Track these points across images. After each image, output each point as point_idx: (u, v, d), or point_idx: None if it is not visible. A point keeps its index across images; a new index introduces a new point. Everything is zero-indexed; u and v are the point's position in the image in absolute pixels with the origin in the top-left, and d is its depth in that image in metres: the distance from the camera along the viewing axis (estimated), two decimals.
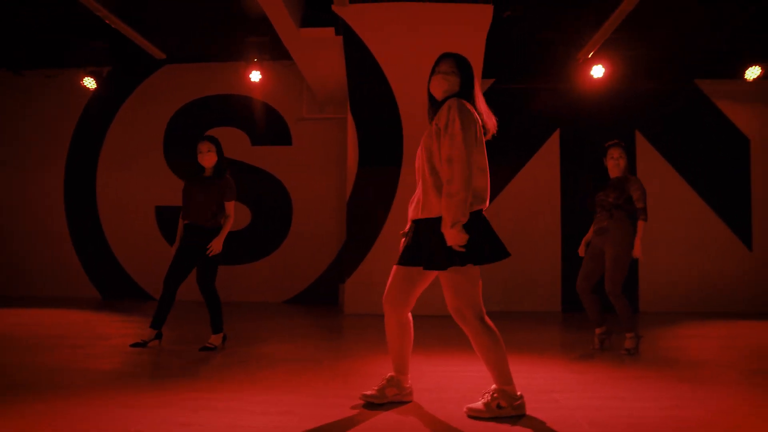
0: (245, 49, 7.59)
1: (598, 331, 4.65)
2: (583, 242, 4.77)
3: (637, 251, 4.39)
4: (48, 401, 2.86)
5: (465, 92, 2.83)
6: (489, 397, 2.77)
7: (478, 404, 2.76)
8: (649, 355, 4.45)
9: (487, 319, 2.79)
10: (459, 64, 2.85)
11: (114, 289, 8.48)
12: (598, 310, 4.64)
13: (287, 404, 2.92)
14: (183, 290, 4.57)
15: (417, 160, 2.91)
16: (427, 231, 2.74)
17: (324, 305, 8.00)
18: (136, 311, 6.92)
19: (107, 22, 6.15)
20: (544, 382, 3.51)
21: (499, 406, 2.74)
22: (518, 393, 2.80)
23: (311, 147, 8.48)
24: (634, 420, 2.72)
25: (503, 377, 2.78)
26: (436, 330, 5.50)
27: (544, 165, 7.96)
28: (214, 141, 4.56)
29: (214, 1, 6.49)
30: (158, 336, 4.50)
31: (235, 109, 8.46)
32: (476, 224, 2.69)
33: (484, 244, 2.70)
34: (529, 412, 2.81)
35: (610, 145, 4.68)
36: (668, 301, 7.72)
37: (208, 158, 4.51)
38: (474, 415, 2.72)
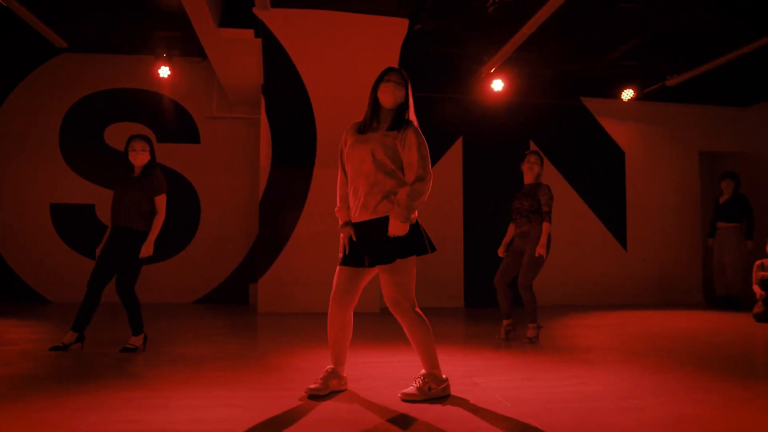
0: (154, 43, 7.38)
1: (505, 322, 5.11)
2: (503, 244, 5.18)
3: (541, 249, 4.89)
4: None
5: (408, 104, 3.12)
6: (420, 382, 3.05)
7: (411, 389, 3.03)
8: (548, 343, 4.97)
9: (419, 309, 3.08)
10: (405, 77, 3.12)
11: (2, 292, 7.83)
12: (510, 304, 5.12)
13: (229, 398, 3.01)
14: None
15: (362, 165, 3.03)
16: (378, 229, 2.98)
17: (234, 305, 7.94)
18: (33, 315, 6.49)
19: (2, 2, 5.74)
20: (463, 369, 3.86)
21: (429, 389, 3.05)
22: (444, 376, 3.12)
23: (221, 146, 8.38)
24: (547, 395, 3.13)
25: (432, 362, 3.10)
26: (363, 326, 5.71)
27: (448, 170, 8.44)
28: (147, 140, 4.49)
29: None
30: (80, 339, 4.34)
31: (141, 104, 8.15)
32: (416, 222, 3.07)
33: (423, 239, 3.06)
34: (454, 394, 3.12)
35: (529, 152, 5.21)
36: (555, 295, 8.48)
37: (141, 157, 4.42)
38: (408, 399, 2.99)
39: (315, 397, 3.00)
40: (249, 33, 5.97)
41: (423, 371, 3.11)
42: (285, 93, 6.65)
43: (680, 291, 8.95)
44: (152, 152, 4.51)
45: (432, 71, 8.18)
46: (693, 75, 7.59)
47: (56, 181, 7.98)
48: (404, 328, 3.09)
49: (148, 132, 8.15)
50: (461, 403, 2.97)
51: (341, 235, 3.16)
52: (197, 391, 3.14)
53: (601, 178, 8.92)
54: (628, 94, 8.35)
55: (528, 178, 5.12)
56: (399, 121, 3.07)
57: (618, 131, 9.01)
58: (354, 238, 3.09)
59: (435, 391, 3.04)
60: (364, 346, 4.68)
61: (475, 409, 2.85)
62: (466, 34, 7.15)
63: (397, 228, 2.93)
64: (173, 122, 8.24)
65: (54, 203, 7.98)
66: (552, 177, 8.71)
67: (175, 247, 8.21)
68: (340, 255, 3.14)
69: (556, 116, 8.81)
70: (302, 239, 7.11)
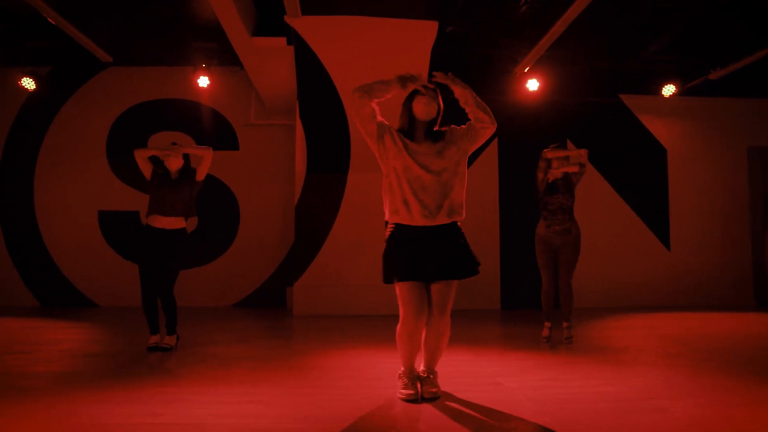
0: (193, 54, 7.62)
1: (549, 324, 5.02)
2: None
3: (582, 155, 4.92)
4: (9, 404, 2.90)
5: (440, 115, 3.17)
6: (434, 379, 3.12)
7: (431, 388, 3.05)
8: (582, 344, 4.88)
9: None
10: (438, 93, 3.17)
11: (53, 297, 8.25)
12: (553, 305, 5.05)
13: (253, 395, 3.10)
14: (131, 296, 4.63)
15: (441, 175, 3.04)
16: (448, 239, 3.05)
17: (272, 308, 8.11)
18: (81, 317, 6.80)
19: (51, 21, 6.06)
20: (490, 369, 3.84)
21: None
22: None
23: (259, 153, 8.58)
24: (567, 396, 3.08)
25: (437, 361, 3.17)
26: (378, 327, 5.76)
27: (484, 172, 8.38)
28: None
29: (162, 5, 6.51)
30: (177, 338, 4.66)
31: (182, 113, 8.44)
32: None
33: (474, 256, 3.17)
34: (475, 394, 3.12)
35: (557, 146, 5.10)
36: (597, 297, 8.28)
37: (176, 162, 4.65)
38: (437, 396, 3.03)
39: (413, 401, 2.98)
40: (281, 41, 6.12)
41: (430, 367, 3.15)
42: (318, 99, 6.77)
43: (728, 292, 8.57)
44: (186, 156, 4.75)
45: (466, 73, 8.09)
46: (738, 67, 7.28)
47: (104, 190, 8.35)
48: (435, 334, 3.05)
49: (188, 140, 8.45)
50: (480, 402, 2.96)
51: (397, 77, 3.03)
52: (224, 388, 3.25)
53: (642, 177, 8.66)
54: (669, 89, 8.09)
55: (558, 173, 4.99)
56: (441, 133, 3.14)
57: (660, 128, 8.73)
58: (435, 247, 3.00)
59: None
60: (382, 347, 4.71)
61: (491, 408, 2.84)
62: (499, 35, 7.12)
63: (464, 87, 3.14)
64: (213, 130, 8.49)
65: (102, 210, 8.34)
66: (591, 177, 8.52)
67: (215, 251, 8.45)
68: (402, 273, 2.96)
69: (595, 114, 8.61)
70: (337, 243, 7.21)
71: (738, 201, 8.80)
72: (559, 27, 5.73)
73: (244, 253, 8.50)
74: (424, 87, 3.07)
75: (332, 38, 5.86)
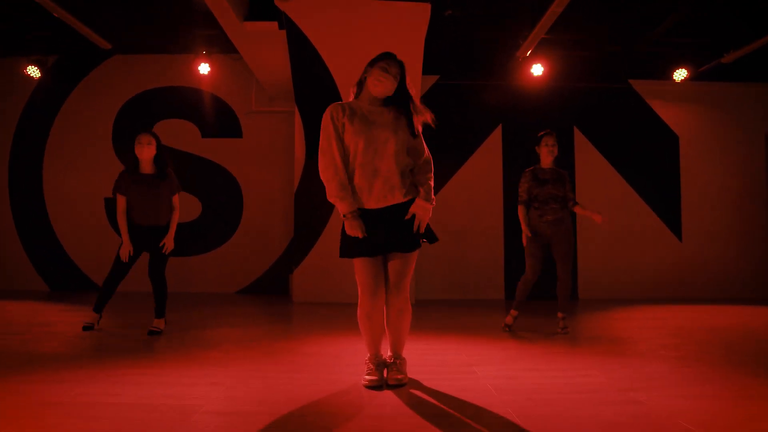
0: (194, 41, 7.62)
1: (515, 313, 4.91)
2: (525, 230, 4.85)
3: (597, 216, 4.78)
4: None
5: (403, 95, 2.97)
6: (401, 366, 3.04)
7: (397, 375, 2.97)
8: (576, 335, 4.75)
9: None
10: (403, 70, 2.95)
11: (62, 281, 8.40)
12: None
13: (215, 377, 3.07)
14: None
15: (386, 145, 2.88)
16: (404, 213, 2.91)
17: (276, 295, 8.11)
18: (84, 301, 6.87)
19: (48, 9, 6.10)
20: (468, 358, 3.75)
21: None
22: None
23: (261, 140, 8.56)
24: (538, 386, 2.98)
25: (402, 345, 3.09)
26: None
27: (488, 159, 8.24)
28: (154, 134, 4.60)
29: None
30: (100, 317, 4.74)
31: (185, 101, 8.46)
32: None
33: (430, 228, 3.04)
34: (445, 382, 3.04)
35: (545, 133, 4.91)
36: (604, 288, 8.10)
37: (147, 150, 4.51)
38: (402, 383, 2.96)
39: (376, 388, 2.92)
40: (273, 25, 6.04)
41: (397, 353, 3.07)
42: (313, 84, 6.68)
43: (744, 285, 8.29)
44: (159, 146, 4.59)
45: (468, 58, 8.00)
46: (752, 49, 6.98)
47: (110, 177, 8.25)
48: (396, 313, 2.97)
49: (193, 128, 8.49)
50: (447, 390, 2.88)
51: (348, 225, 2.84)
52: (192, 371, 3.22)
53: (652, 165, 8.40)
54: (680, 74, 7.82)
55: (548, 162, 4.87)
56: (405, 104, 2.97)
57: (671, 115, 8.45)
58: (365, 232, 2.84)
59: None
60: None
61: (454, 397, 2.76)
62: (500, 18, 6.95)
63: (427, 212, 2.90)
64: (216, 118, 8.50)
65: (108, 198, 8.41)
66: (599, 164, 8.33)
67: (219, 238, 8.48)
68: (356, 250, 2.88)
69: (603, 100, 8.37)
70: (336, 231, 7.13)
71: (754, 190, 8.48)
72: (556, 8, 5.55)
73: (248, 240, 8.51)
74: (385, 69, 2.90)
75: (324, 21, 5.78)
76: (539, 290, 5.23)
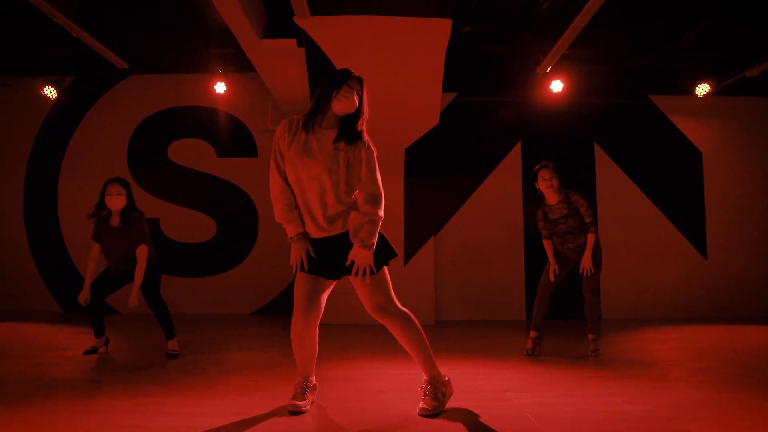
0: (210, 60, 7.60)
1: (534, 334, 4.73)
2: (553, 263, 4.67)
3: (587, 263, 4.55)
4: None
5: (361, 113, 2.84)
6: (430, 392, 2.84)
7: (427, 402, 2.81)
8: (607, 358, 4.56)
9: (403, 308, 2.89)
10: (363, 87, 2.86)
11: (76, 303, 8.26)
12: (544, 315, 4.77)
13: (239, 407, 2.93)
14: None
15: (314, 183, 2.77)
16: (343, 243, 2.80)
17: (291, 316, 7.95)
18: None
19: (66, 29, 6.09)
20: (500, 383, 3.58)
21: (442, 395, 2.86)
22: (444, 375, 2.94)
23: None
24: (580, 414, 2.81)
25: (430, 362, 2.91)
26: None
27: (507, 176, 8.10)
28: (125, 184, 4.44)
29: (177, 12, 6.50)
30: (106, 342, 4.67)
31: (201, 120, 8.43)
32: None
33: (387, 241, 2.89)
34: (481, 409, 2.88)
35: (540, 167, 4.61)
36: (628, 308, 7.89)
37: (116, 201, 4.36)
38: (428, 414, 2.77)
39: (297, 413, 2.81)
40: (291, 43, 5.99)
41: (425, 377, 2.91)
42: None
43: None
44: (129, 196, 4.44)
45: (487, 74, 7.91)
46: None
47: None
48: (395, 332, 2.87)
49: (208, 147, 8.43)
50: (482, 419, 2.72)
51: (293, 247, 2.83)
52: (214, 399, 3.09)
53: (675, 181, 8.22)
54: (703, 89, 7.67)
55: (552, 197, 4.62)
56: (351, 134, 2.81)
57: (694, 130, 8.29)
58: (312, 254, 2.82)
59: (447, 395, 2.91)
60: (391, 357, 4.48)
61: (490, 427, 2.60)
62: (520, 34, 6.87)
63: (365, 258, 2.72)
64: (231, 137, 8.45)
65: None
66: (620, 181, 8.16)
67: (234, 259, 8.37)
68: (296, 269, 2.86)
69: (623, 116, 8.23)
70: None
71: None
72: (579, 22, 5.45)
73: (264, 261, 8.39)
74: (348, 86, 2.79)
75: (342, 38, 5.70)
76: (562, 310, 5.07)
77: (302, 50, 6.01)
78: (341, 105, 2.78)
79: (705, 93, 7.70)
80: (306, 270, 2.83)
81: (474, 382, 3.62)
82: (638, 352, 4.93)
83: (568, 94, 7.56)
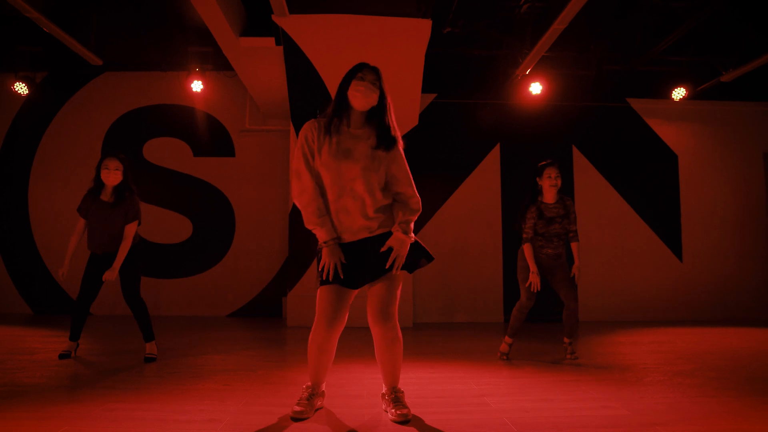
0: (187, 58, 7.49)
1: (510, 340, 4.71)
2: (535, 268, 4.49)
3: (577, 269, 4.57)
4: None
5: (384, 106, 2.79)
6: (401, 399, 2.81)
7: (401, 410, 2.75)
8: (584, 361, 4.57)
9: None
10: (381, 77, 2.79)
11: (46, 304, 8.10)
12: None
13: (213, 413, 2.85)
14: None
15: (353, 184, 2.71)
16: (378, 243, 2.76)
17: (268, 318, 7.86)
18: (69, 326, 6.60)
19: (38, 24, 5.94)
20: (478, 387, 3.55)
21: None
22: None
23: (255, 159, 8.38)
24: (559, 420, 2.79)
25: (398, 374, 2.88)
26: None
27: (486, 178, 8.12)
28: (123, 160, 4.34)
29: (153, 8, 6.38)
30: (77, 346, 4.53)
31: (177, 119, 8.29)
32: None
33: (422, 245, 2.88)
34: (458, 414, 2.85)
35: (547, 164, 4.56)
36: (604, 310, 7.96)
37: (113, 177, 4.26)
38: (407, 419, 2.72)
39: (299, 420, 2.76)
40: (270, 41, 5.92)
41: (394, 386, 2.86)
42: (310, 102, 6.54)
43: (745, 306, 8.18)
44: (125, 172, 4.34)
45: (466, 76, 7.93)
46: (751, 68, 6.95)
47: None
48: (385, 343, 2.75)
49: (184, 146, 8.29)
50: (461, 425, 2.68)
51: (326, 253, 2.71)
52: (184, 405, 3.00)
53: (651, 184, 8.32)
54: (679, 93, 7.78)
55: (552, 196, 4.57)
56: (387, 139, 2.76)
57: (670, 133, 8.41)
58: (344, 260, 2.73)
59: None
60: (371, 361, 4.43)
61: None
62: (499, 36, 6.89)
63: (405, 245, 2.72)
64: (208, 136, 8.33)
65: None
66: (597, 184, 8.24)
67: (210, 260, 8.25)
68: (328, 276, 2.71)
69: (601, 119, 8.32)
70: None
71: (754, 209, 8.43)
72: (558, 26, 5.47)
73: (240, 262, 8.29)
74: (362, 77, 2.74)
75: (322, 37, 5.64)
76: (537, 313, 5.06)
77: (281, 49, 5.94)
78: (357, 101, 2.72)
79: (681, 97, 7.81)
80: (342, 278, 2.70)
81: (451, 386, 3.59)
82: (615, 356, 4.96)
83: (546, 97, 7.60)
